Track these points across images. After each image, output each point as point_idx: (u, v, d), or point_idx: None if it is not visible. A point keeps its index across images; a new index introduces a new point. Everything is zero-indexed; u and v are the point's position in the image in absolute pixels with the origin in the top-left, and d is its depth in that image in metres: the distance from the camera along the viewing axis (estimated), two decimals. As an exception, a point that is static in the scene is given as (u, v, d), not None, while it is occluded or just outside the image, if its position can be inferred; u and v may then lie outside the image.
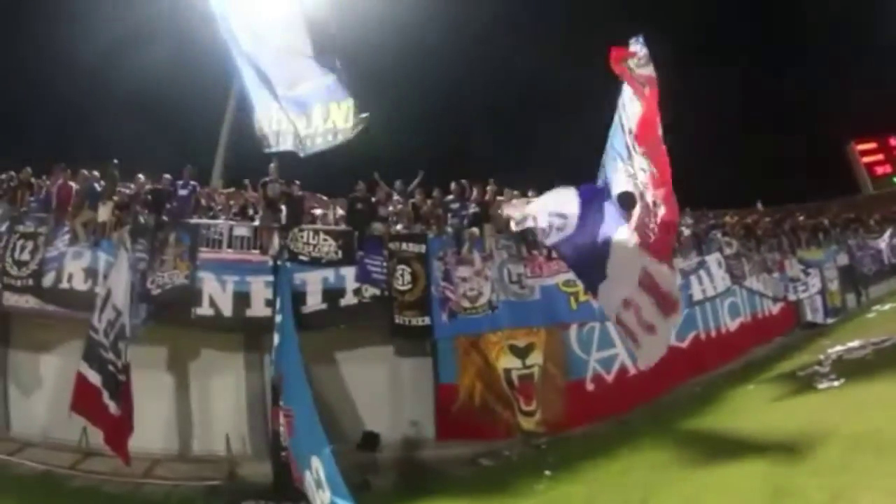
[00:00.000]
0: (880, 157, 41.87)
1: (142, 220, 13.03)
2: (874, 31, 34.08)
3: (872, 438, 8.65)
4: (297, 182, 14.20)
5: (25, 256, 12.76)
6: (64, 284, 12.60)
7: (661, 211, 8.75)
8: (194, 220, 13.59)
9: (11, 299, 12.66)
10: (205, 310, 12.56)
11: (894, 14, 33.30)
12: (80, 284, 12.57)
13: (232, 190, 16.12)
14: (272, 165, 13.85)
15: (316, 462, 7.91)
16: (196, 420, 12.89)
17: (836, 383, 12.96)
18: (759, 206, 23.92)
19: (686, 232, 18.41)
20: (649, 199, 9.07)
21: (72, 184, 13.71)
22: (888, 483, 7.21)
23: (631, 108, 9.66)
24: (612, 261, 9.61)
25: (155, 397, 12.36)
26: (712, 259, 17.86)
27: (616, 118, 10.23)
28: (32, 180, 14.39)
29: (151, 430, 11.92)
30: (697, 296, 16.96)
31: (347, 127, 8.79)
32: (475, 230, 13.80)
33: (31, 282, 12.63)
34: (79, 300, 12.25)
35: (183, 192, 13.85)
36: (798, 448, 9.30)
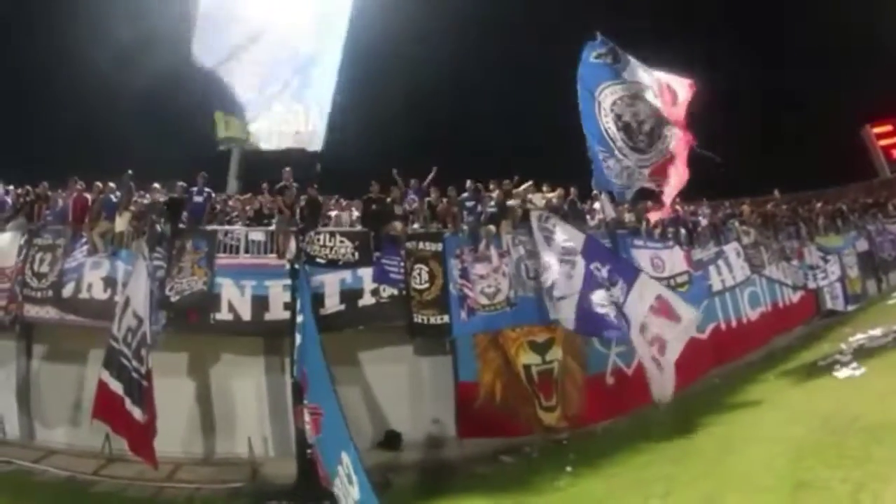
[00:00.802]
0: (897, 139, 41.33)
1: (158, 228, 13.10)
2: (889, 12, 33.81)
3: (893, 430, 8.63)
4: (316, 185, 14.23)
5: (45, 268, 13.01)
6: (83, 294, 12.74)
7: None
8: (211, 227, 13.66)
9: (32, 311, 12.89)
10: (224, 315, 12.62)
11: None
12: (99, 294, 12.70)
13: (248, 196, 16.16)
14: (287, 170, 13.94)
15: (346, 458, 8.01)
16: (218, 423, 12.98)
17: (857, 372, 12.94)
18: (776, 193, 23.65)
19: (703, 222, 18.33)
20: None
21: (87, 195, 13.87)
22: None
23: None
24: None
25: (177, 402, 12.44)
26: (730, 249, 17.76)
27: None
28: (49, 194, 14.58)
29: (173, 435, 12.05)
30: (717, 286, 16.86)
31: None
32: (491, 227, 13.76)
33: (50, 293, 12.84)
34: (98, 309, 12.38)
35: (198, 199, 13.92)
36: (820, 439, 9.34)
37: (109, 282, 12.66)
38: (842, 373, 13.24)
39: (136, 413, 10.60)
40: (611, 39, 13.63)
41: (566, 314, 12.53)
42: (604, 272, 11.62)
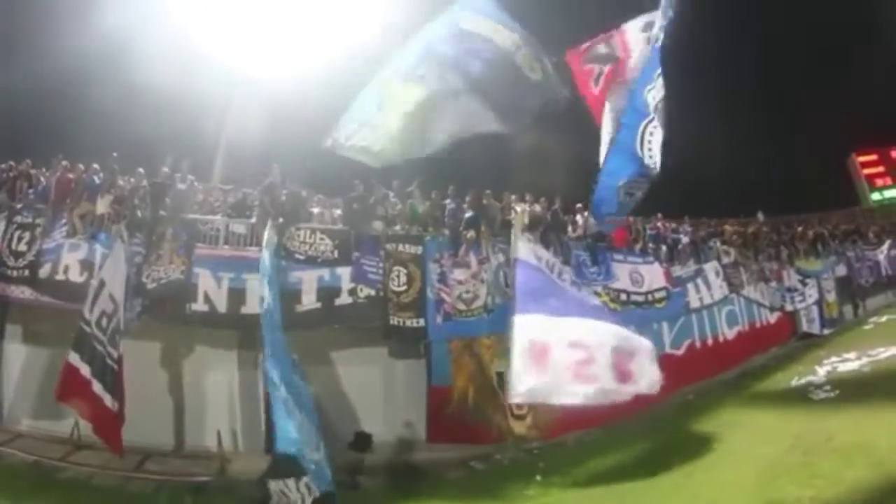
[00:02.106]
0: (881, 168, 41.84)
1: (139, 213, 13.05)
2: (878, 41, 34.12)
3: (866, 451, 8.72)
4: (297, 182, 14.23)
5: (22, 247, 12.78)
6: (60, 276, 12.60)
7: None
8: (192, 216, 13.55)
9: (7, 290, 12.70)
10: (199, 306, 12.57)
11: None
12: (75, 276, 12.56)
13: (230, 187, 16.07)
14: (275, 166, 13.89)
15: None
16: (188, 416, 12.86)
17: (830, 395, 13.01)
18: (760, 216, 23.89)
19: (684, 240, 18.44)
20: None
21: (70, 176, 13.70)
22: (881, 498, 7.25)
23: None
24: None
25: (147, 392, 12.28)
26: (710, 267, 17.91)
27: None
28: (32, 171, 14.35)
29: (142, 425, 11.83)
30: (695, 304, 16.99)
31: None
32: (472, 233, 13.78)
33: (27, 272, 12.65)
34: (74, 292, 12.19)
35: (181, 187, 13.83)
36: (791, 459, 9.36)
37: (86, 265, 12.53)
38: (815, 395, 13.28)
39: (107, 399, 10.55)
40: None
41: None
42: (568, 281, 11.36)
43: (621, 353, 10.15)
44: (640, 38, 13.71)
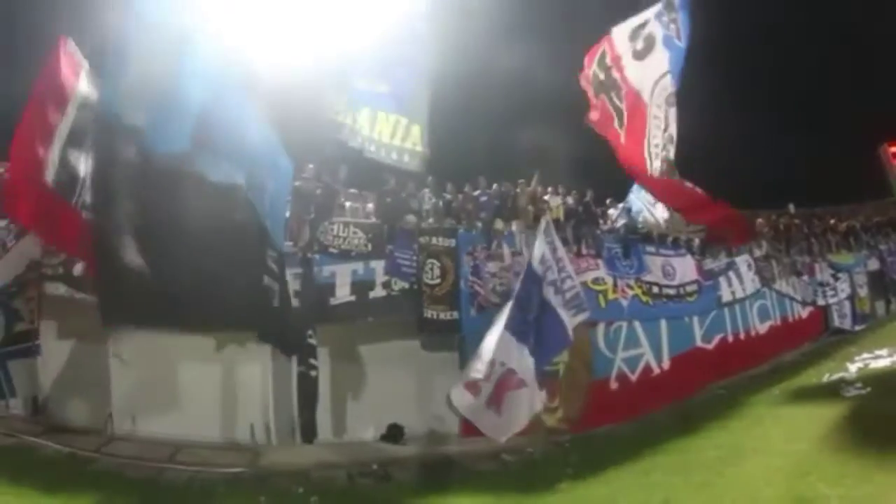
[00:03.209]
0: (915, 159, 41.30)
1: None
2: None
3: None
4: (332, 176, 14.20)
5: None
6: None
7: None
8: None
9: (44, 288, 12.67)
10: None
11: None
12: None
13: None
14: (310, 167, 13.90)
15: None
16: (222, 408, 12.88)
17: (861, 392, 12.92)
18: (791, 208, 23.68)
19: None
20: None
21: None
22: None
23: None
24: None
25: (180, 384, 12.50)
26: (741, 260, 17.78)
27: None
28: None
29: (174, 416, 12.13)
30: (727, 297, 16.93)
31: (401, 146, 8.84)
32: (503, 224, 13.81)
33: (60, 269, 12.54)
34: None
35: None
36: (821, 457, 9.37)
37: None
38: (846, 392, 13.16)
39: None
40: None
41: None
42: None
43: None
44: (627, 47, 13.79)
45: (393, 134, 9.32)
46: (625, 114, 14.00)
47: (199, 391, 12.62)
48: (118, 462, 10.76)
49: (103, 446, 11.36)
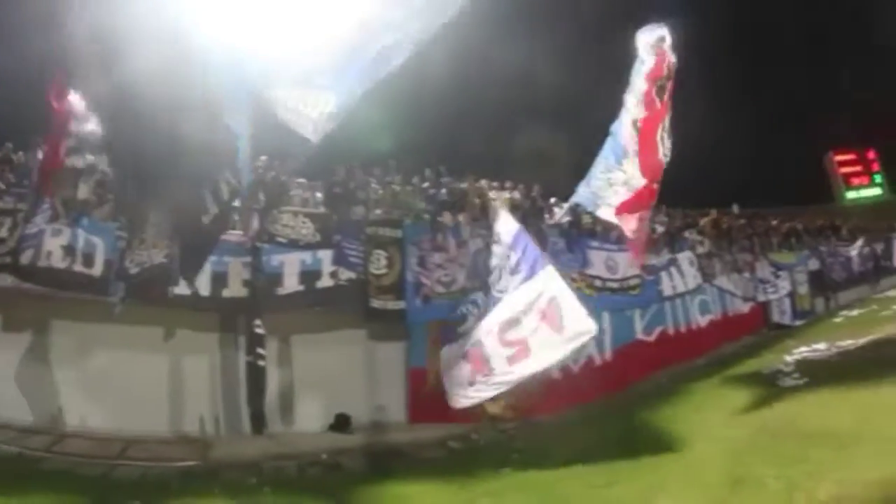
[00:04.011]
0: (858, 168, 42.77)
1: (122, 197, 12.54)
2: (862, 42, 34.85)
3: (831, 434, 9.00)
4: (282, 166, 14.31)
5: (3, 233, 12.35)
6: (42, 262, 12.20)
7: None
8: None
9: (-10, 277, 12.43)
10: (182, 289, 12.18)
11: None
12: (58, 262, 12.25)
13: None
14: (263, 158, 13.96)
15: None
16: (171, 401, 12.80)
17: (798, 382, 13.34)
18: (735, 208, 24.37)
19: (659, 230, 18.80)
20: None
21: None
22: (843, 474, 7.55)
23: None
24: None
25: (130, 377, 12.30)
26: (683, 257, 18.31)
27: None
28: (12, 156, 14.28)
29: (126, 411, 11.98)
30: (667, 291, 17.41)
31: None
32: (450, 217, 14.02)
33: (8, 259, 12.18)
34: (56, 278, 12.08)
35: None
36: (758, 441, 9.68)
37: (69, 250, 12.30)
38: (784, 381, 13.59)
39: None
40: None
41: None
42: (513, 260, 11.09)
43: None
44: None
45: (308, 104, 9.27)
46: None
47: (147, 384, 12.53)
48: (69, 460, 10.66)
49: (54, 444, 11.21)
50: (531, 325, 9.91)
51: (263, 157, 13.92)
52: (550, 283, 10.26)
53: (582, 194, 13.42)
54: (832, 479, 7.48)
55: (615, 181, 12.75)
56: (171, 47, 7.96)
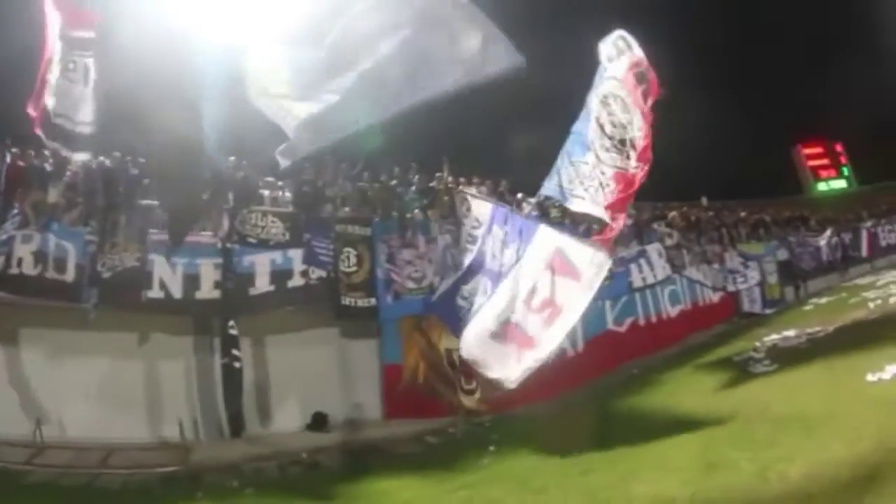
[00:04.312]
0: (826, 161, 43.47)
1: (94, 201, 12.81)
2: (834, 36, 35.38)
3: (801, 418, 9.24)
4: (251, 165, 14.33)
5: None
6: (13, 269, 11.96)
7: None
8: (145, 202, 13.10)
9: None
10: (155, 293, 12.52)
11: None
12: (29, 269, 12.02)
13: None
14: (231, 158, 13.64)
15: None
16: (149, 406, 12.71)
17: (769, 368, 13.60)
18: (704, 201, 24.75)
19: (628, 222, 19.00)
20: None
21: (21, 163, 13.27)
22: (814, 456, 7.77)
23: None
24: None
25: (107, 385, 12.25)
26: (652, 248, 18.67)
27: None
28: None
29: (105, 419, 11.90)
30: (637, 283, 17.73)
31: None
32: (419, 213, 14.11)
33: None
34: (29, 286, 11.90)
35: (134, 172, 13.53)
36: (731, 426, 9.91)
37: (40, 256, 12.05)
38: (754, 368, 13.89)
39: None
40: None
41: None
42: (500, 236, 10.70)
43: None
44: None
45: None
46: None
47: (124, 390, 12.44)
48: (51, 472, 10.56)
49: (34, 457, 11.02)
50: (549, 283, 9.50)
51: (232, 158, 13.78)
52: (548, 239, 9.92)
53: (549, 188, 13.59)
54: (802, 461, 7.69)
55: (581, 174, 12.98)
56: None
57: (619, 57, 12.39)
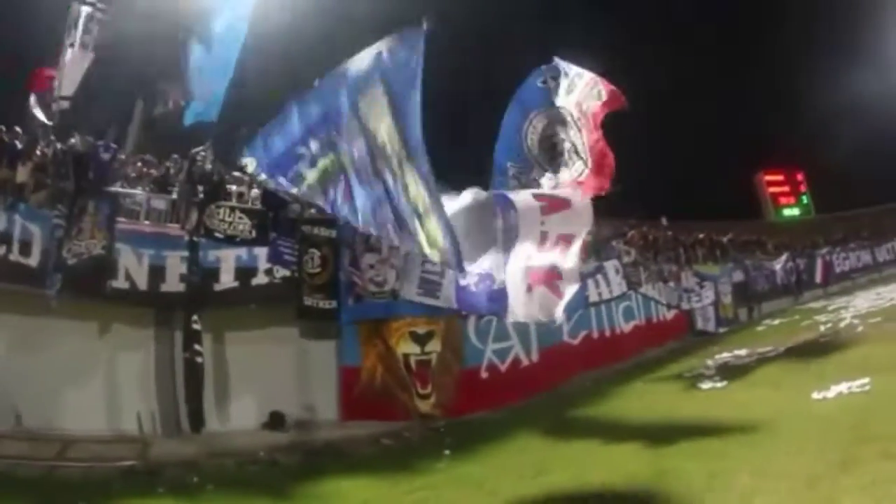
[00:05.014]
0: (786, 188, 44.71)
1: (63, 184, 12.46)
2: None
3: (748, 431, 9.72)
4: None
5: None
6: None
7: None
8: (114, 189, 13.28)
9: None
10: (120, 283, 12.40)
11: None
12: None
13: (151, 158, 15.89)
14: (207, 143, 13.64)
15: None
16: (108, 399, 12.59)
17: (719, 384, 14.06)
18: (664, 221, 25.33)
19: (587, 238, 19.39)
20: None
21: None
22: (759, 466, 8.21)
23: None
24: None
25: (66, 375, 12.12)
26: (610, 265, 19.17)
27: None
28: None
29: (63, 410, 11.86)
30: (593, 298, 18.23)
31: None
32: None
33: None
34: None
35: (105, 157, 13.08)
36: (680, 437, 10.20)
37: (4, 237, 11.71)
38: (705, 384, 14.38)
39: None
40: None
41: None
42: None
43: None
44: None
45: None
46: None
47: (83, 381, 12.35)
48: (6, 462, 10.31)
49: None
50: (551, 223, 9.02)
51: (207, 143, 13.69)
52: (526, 195, 9.47)
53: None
54: (749, 471, 8.11)
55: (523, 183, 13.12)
56: None
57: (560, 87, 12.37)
